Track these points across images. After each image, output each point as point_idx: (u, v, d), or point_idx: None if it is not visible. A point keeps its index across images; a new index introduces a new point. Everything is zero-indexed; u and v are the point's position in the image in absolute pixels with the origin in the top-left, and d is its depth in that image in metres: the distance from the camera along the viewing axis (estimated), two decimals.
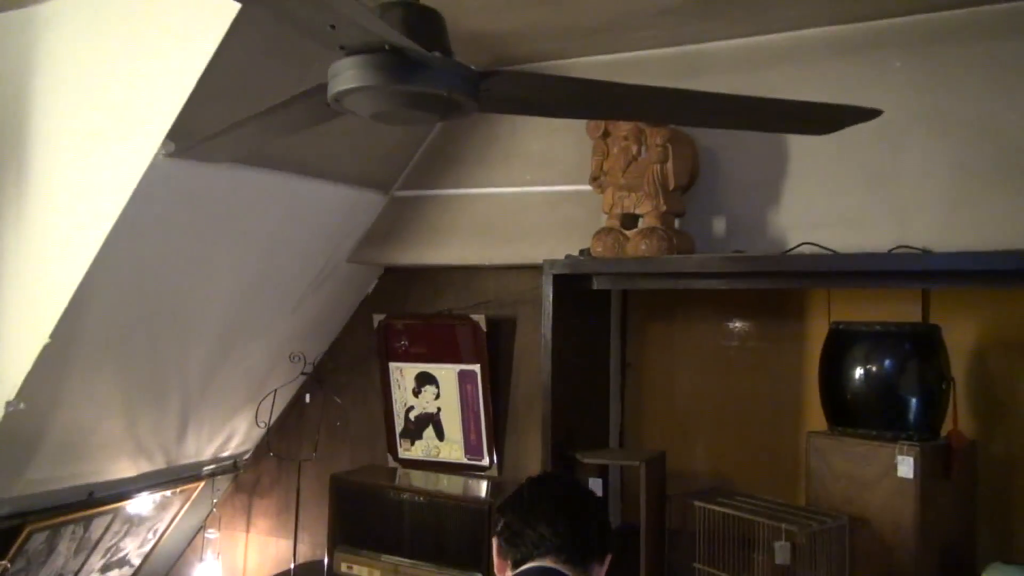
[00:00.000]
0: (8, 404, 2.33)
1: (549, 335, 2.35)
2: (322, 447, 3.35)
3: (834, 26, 2.44)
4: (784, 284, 2.36)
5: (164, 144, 2.11)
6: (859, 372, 2.21)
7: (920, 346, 2.21)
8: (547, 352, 2.35)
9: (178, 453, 3.10)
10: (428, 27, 1.33)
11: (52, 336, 2.27)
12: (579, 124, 2.72)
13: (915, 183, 2.32)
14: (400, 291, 3.30)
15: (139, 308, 2.47)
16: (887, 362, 2.20)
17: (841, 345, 2.26)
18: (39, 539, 2.70)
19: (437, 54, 1.27)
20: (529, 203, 2.85)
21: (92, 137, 2.22)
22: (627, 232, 2.36)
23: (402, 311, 3.24)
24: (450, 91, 1.29)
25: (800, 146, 2.46)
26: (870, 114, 1.44)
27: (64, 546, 2.84)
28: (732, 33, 2.54)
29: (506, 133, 2.87)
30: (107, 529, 2.99)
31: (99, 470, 2.82)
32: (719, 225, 2.56)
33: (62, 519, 2.76)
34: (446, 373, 3.14)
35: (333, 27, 1.14)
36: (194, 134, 2.14)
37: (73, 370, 2.43)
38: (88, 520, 2.87)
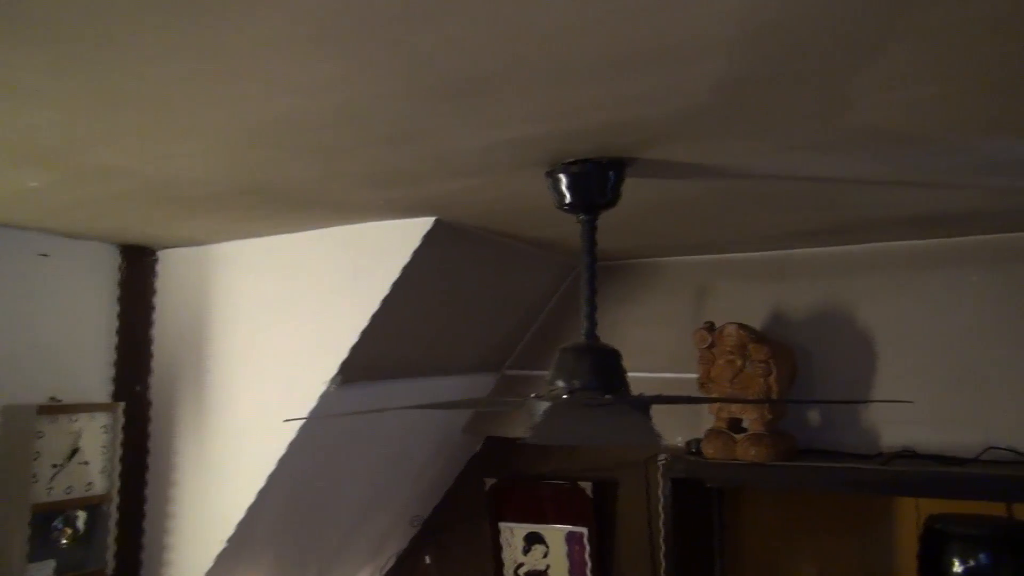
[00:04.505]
0: None
1: (670, 530, 2.59)
2: None
3: (916, 241, 2.72)
4: (880, 493, 2.61)
5: (334, 379, 2.44)
6: (957, 569, 2.42)
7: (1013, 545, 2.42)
8: (669, 548, 2.58)
9: None
10: (610, 366, 1.64)
11: (229, 540, 2.58)
12: (678, 320, 3.03)
13: (999, 388, 2.56)
14: (504, 454, 3.57)
15: (296, 508, 2.78)
16: (984, 561, 2.41)
17: (937, 543, 2.48)
18: None
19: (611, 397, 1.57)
20: (633, 387, 3.12)
21: (266, 369, 2.56)
22: (735, 436, 2.62)
23: (510, 474, 3.51)
24: (628, 424, 1.59)
25: (887, 351, 2.72)
26: None
27: None
28: (820, 243, 2.83)
29: (609, 323, 3.15)
30: None
31: None
32: (815, 417, 2.81)
33: None
34: (554, 534, 3.40)
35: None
36: (361, 368, 2.47)
37: (240, 564, 2.73)
38: None
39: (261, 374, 2.58)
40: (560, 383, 1.62)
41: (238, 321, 2.64)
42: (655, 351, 3.08)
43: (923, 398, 2.64)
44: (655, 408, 3.03)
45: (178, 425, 2.69)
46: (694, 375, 2.78)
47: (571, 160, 1.65)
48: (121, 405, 2.60)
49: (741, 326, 2.65)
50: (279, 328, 2.56)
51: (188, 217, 2.31)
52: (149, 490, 2.74)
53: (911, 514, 2.78)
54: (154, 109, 1.39)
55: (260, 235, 2.57)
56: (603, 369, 1.62)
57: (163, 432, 2.73)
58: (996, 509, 2.60)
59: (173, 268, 2.78)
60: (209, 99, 1.34)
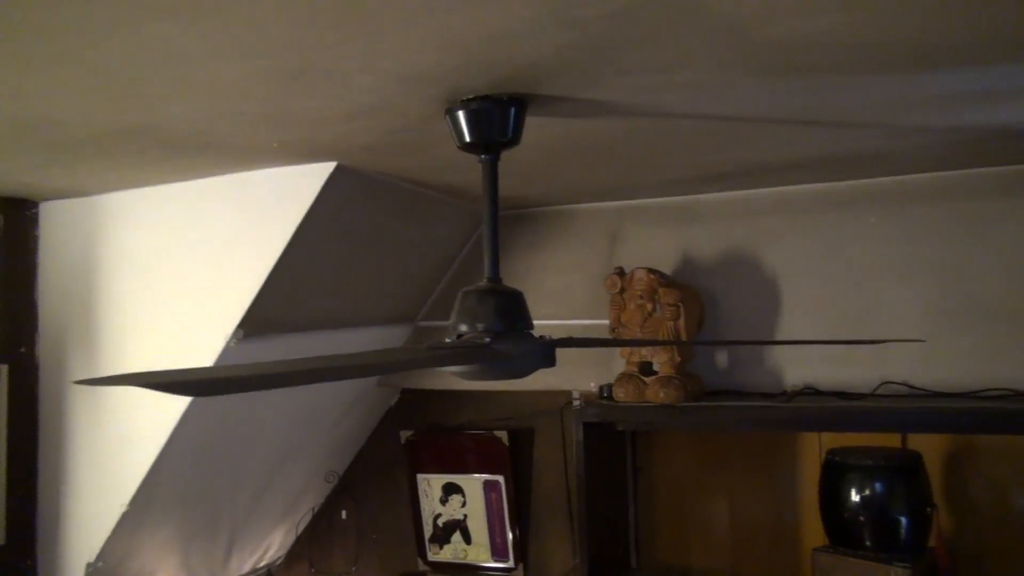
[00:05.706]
0: (89, 565, 2.54)
1: (583, 474, 2.61)
2: (354, 553, 3.59)
3: (818, 184, 2.77)
4: (784, 429, 2.69)
5: (235, 333, 2.34)
6: (854, 498, 2.53)
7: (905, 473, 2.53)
8: (582, 491, 2.61)
9: (223, 573, 3.30)
10: (514, 307, 1.61)
11: (130, 503, 2.48)
12: (589, 266, 3.03)
13: (892, 325, 2.66)
14: (420, 406, 3.54)
15: (202, 467, 2.69)
16: (879, 489, 2.52)
17: (836, 474, 2.58)
18: None
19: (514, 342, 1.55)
20: (546, 334, 3.12)
21: (161, 326, 2.44)
22: (645, 379, 2.65)
23: (426, 426, 3.48)
24: (533, 361, 1.57)
25: (789, 292, 2.79)
26: None
27: None
28: (726, 187, 2.85)
29: (521, 271, 3.13)
30: None
31: None
32: (722, 359, 2.87)
33: None
34: (471, 483, 3.40)
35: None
36: (265, 322, 2.38)
37: (144, 527, 2.63)
38: None
39: (157, 331, 2.46)
40: (463, 327, 1.58)
41: (130, 276, 2.50)
42: (567, 298, 3.08)
43: (823, 336, 2.72)
44: (569, 354, 3.05)
45: (70, 386, 2.56)
46: (606, 321, 2.80)
47: (470, 96, 1.59)
48: (5, 367, 2.45)
49: (651, 271, 2.67)
50: (174, 282, 2.43)
51: (68, 164, 2.16)
52: (41, 455, 2.60)
53: (814, 448, 2.88)
54: (11, 34, 1.27)
55: (150, 184, 2.43)
56: (507, 311, 1.58)
57: (53, 394, 2.59)
58: (892, 440, 2.72)
59: (57, 221, 2.61)
60: (74, 22, 1.22)
